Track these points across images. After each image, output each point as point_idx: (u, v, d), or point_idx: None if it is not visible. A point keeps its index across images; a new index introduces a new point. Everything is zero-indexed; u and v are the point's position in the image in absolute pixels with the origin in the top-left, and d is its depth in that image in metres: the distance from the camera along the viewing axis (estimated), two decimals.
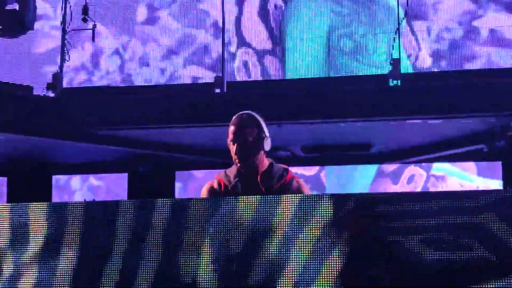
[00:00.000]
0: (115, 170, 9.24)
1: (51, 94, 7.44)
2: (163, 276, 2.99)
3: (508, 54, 7.53)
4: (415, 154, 8.47)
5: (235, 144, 3.82)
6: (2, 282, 3.14)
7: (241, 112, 3.90)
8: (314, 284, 2.82)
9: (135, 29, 8.30)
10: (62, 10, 7.55)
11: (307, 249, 2.87)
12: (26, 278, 3.12)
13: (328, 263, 2.83)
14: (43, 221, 3.16)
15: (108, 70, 8.24)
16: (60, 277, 3.08)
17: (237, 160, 3.83)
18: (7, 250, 3.18)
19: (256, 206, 2.99)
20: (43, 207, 3.18)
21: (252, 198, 3.02)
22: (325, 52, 7.89)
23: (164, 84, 8.01)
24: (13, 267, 3.16)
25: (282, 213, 2.94)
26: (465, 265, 2.73)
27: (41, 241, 3.15)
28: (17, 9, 6.80)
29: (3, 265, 3.17)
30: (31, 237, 3.16)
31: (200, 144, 8.18)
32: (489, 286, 2.69)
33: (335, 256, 2.83)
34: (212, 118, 7.10)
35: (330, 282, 2.81)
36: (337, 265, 2.82)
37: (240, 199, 3.04)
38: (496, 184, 8.69)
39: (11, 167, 8.95)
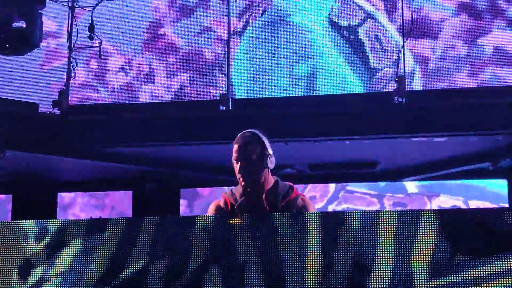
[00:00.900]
0: (120, 188, 9.23)
1: (57, 111, 7.45)
2: None
3: None
4: (420, 172, 8.46)
5: (239, 162, 3.83)
6: None
7: (244, 131, 3.93)
8: None
9: (140, 46, 8.32)
10: (68, 27, 7.58)
11: None
12: None
13: None
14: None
15: (113, 87, 8.26)
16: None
17: (241, 179, 3.84)
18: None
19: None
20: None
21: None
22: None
23: (170, 101, 8.01)
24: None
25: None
26: None
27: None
28: (24, 27, 6.84)
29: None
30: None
31: (205, 161, 8.18)
32: None
33: None
34: (217, 136, 7.10)
35: None
36: None
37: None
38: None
39: (16, 184, 8.94)
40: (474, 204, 9.86)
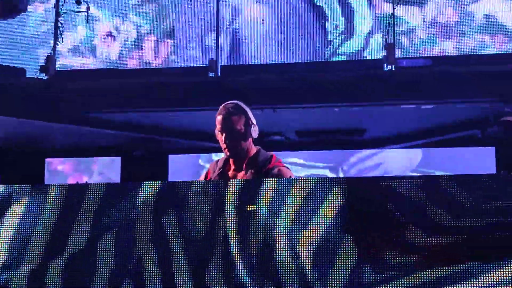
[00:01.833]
0: (108, 154, 9.22)
1: (44, 77, 7.40)
2: None
3: (502, 40, 7.51)
4: (408, 140, 8.47)
5: (223, 133, 3.90)
6: None
7: (227, 102, 4.00)
8: None
9: (128, 12, 8.25)
10: None
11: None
12: None
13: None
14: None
15: (101, 53, 8.20)
16: None
17: (226, 149, 3.92)
18: None
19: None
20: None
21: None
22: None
23: (158, 67, 7.96)
24: None
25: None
26: None
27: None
28: None
29: None
30: None
31: (193, 128, 8.17)
32: None
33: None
34: (205, 102, 7.09)
35: None
36: None
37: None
38: None
39: (2, 150, 8.90)
40: None
